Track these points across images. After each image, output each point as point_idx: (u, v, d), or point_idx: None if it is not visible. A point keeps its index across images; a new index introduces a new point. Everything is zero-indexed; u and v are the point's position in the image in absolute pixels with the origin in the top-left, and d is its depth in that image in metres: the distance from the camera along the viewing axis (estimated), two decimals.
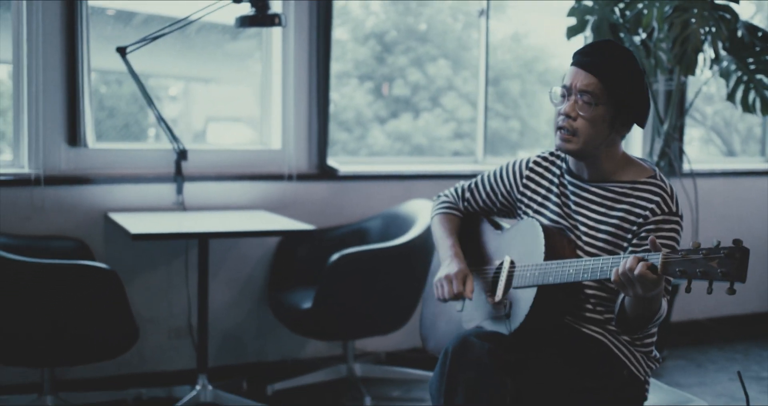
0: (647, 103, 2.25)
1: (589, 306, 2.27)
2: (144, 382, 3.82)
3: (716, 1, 4.20)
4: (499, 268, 2.36)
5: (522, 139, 5.48)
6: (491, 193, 2.53)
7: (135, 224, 3.41)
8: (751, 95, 4.53)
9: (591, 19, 4.33)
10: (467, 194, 2.59)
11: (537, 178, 2.43)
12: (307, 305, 3.56)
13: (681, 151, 4.85)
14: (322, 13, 4.10)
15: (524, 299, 2.22)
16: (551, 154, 2.45)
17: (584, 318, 2.28)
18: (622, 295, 2.12)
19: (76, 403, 3.50)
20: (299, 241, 4.06)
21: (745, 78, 4.50)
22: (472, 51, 5.22)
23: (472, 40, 5.18)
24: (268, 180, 4.10)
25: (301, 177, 4.15)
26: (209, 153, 4.07)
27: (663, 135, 4.60)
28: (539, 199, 2.41)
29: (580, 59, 2.22)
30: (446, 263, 2.42)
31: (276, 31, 4.14)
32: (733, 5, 4.23)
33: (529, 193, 2.43)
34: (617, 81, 2.18)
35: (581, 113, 2.19)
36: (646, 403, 2.33)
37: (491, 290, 2.37)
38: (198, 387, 3.57)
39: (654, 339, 2.34)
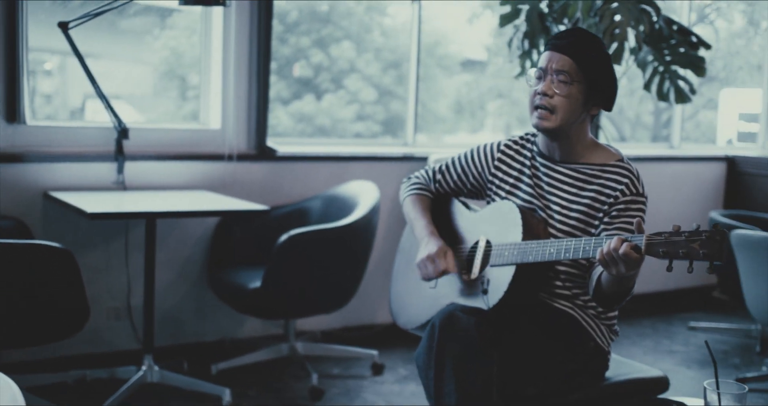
0: (615, 86, 2.40)
1: (559, 282, 2.41)
2: (84, 364, 3.77)
3: None
4: (475, 247, 2.46)
5: (421, 122, 5.59)
6: (462, 175, 2.63)
7: (78, 203, 3.36)
8: (666, 85, 4.78)
9: (524, 7, 4.48)
10: (438, 176, 2.68)
11: (508, 160, 2.54)
12: (256, 284, 3.59)
13: (597, 137, 5.06)
14: None
15: (502, 277, 2.32)
16: (521, 137, 2.56)
17: (555, 293, 2.42)
18: (597, 273, 2.25)
19: (18, 386, 3.42)
20: (239, 221, 4.07)
21: (661, 69, 4.74)
22: (374, 33, 5.27)
23: (375, 22, 5.24)
24: (208, 160, 4.09)
25: (241, 157, 4.16)
26: (149, 132, 4.03)
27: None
28: (511, 180, 2.52)
29: (555, 42, 2.35)
30: (425, 243, 2.50)
31: (217, 11, 4.11)
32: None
33: (500, 174, 2.54)
34: (589, 61, 2.32)
35: (557, 91, 2.31)
36: (607, 372, 2.49)
37: (466, 267, 2.47)
38: (144, 368, 3.55)
39: (617, 313, 2.49)
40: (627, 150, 5.82)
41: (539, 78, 2.36)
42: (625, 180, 2.35)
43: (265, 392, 3.70)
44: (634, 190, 2.35)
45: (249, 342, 4.20)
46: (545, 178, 2.45)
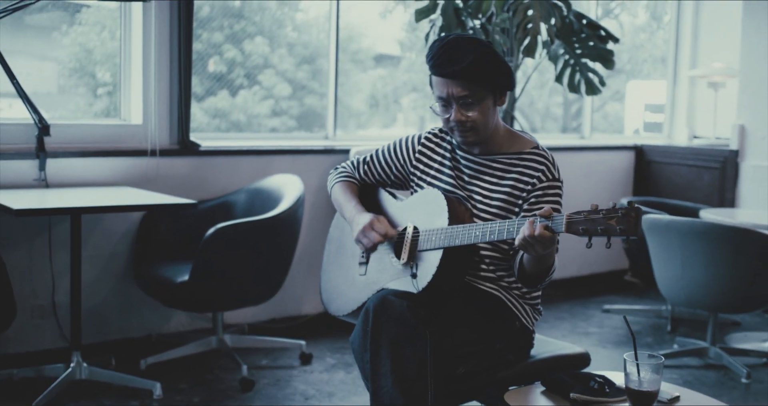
0: (510, 72, 2.46)
1: (484, 266, 2.51)
2: (10, 363, 3.73)
3: None
4: (403, 233, 2.55)
5: (336, 116, 5.63)
6: (386, 167, 2.71)
7: (1, 201, 3.31)
8: (577, 77, 4.96)
9: (440, 2, 4.59)
10: (363, 167, 2.75)
11: (429, 152, 2.63)
12: (184, 278, 3.61)
13: (512, 124, 5.22)
14: None
15: (431, 260, 2.41)
16: (440, 130, 2.65)
17: (480, 276, 2.52)
18: (519, 256, 2.37)
19: None
20: (164, 216, 4.08)
21: (572, 61, 4.92)
22: (287, 29, 5.30)
23: (287, 17, 5.27)
24: (131, 156, 4.08)
25: (164, 152, 4.16)
26: (69, 127, 3.99)
27: (501, 113, 4.94)
28: (432, 172, 2.61)
29: (444, 71, 2.37)
30: (356, 219, 2.56)
31: (136, 6, 4.11)
32: None
33: (422, 166, 2.63)
34: (485, 75, 2.38)
35: (470, 115, 2.41)
36: (532, 351, 2.61)
37: (396, 253, 2.55)
38: (72, 365, 3.53)
39: (539, 293, 2.61)
40: (544, 141, 6.03)
41: (444, 106, 2.44)
42: (542, 167, 2.47)
43: (195, 385, 3.72)
44: (550, 176, 2.47)
45: (177, 337, 4.21)
46: (466, 170, 2.55)
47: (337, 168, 2.83)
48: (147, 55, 4.12)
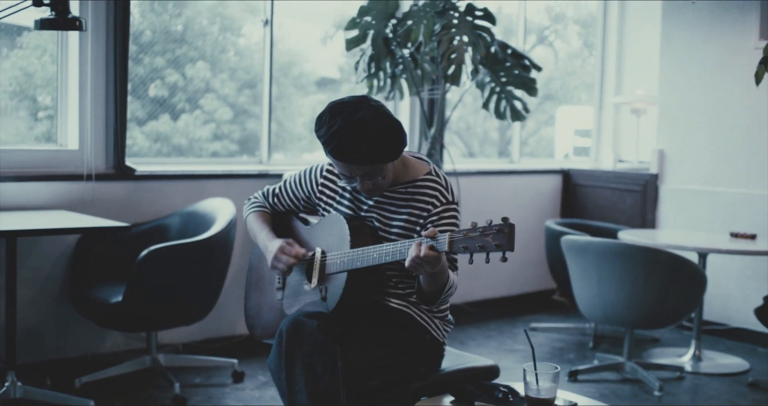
0: (403, 135, 2.52)
1: (391, 284, 2.67)
2: None
3: (476, 22, 4.79)
4: (312, 258, 2.70)
5: (278, 140, 5.76)
6: (293, 198, 2.86)
7: None
8: (503, 104, 5.18)
9: (370, 33, 4.78)
10: (273, 199, 2.90)
11: (329, 184, 2.77)
12: (117, 299, 3.72)
13: (441, 154, 5.43)
14: (120, 15, 4.22)
15: (337, 283, 2.57)
16: None
17: (389, 293, 2.68)
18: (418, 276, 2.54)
19: None
20: (99, 239, 4.18)
21: (497, 89, 5.14)
22: (228, 53, 5.42)
23: (229, 42, 5.39)
24: (67, 180, 4.18)
25: (99, 177, 4.27)
26: (5, 153, 4.09)
27: (430, 139, 5.14)
28: (333, 203, 2.76)
29: (347, 156, 2.43)
30: (269, 247, 2.71)
31: (73, 33, 4.22)
32: (489, 26, 4.84)
33: (324, 197, 2.78)
34: (384, 155, 2.46)
35: (377, 183, 2.54)
36: (444, 363, 2.77)
37: (308, 277, 2.70)
38: (7, 384, 3.61)
39: (448, 306, 2.78)
40: (474, 165, 6.26)
41: (348, 178, 2.54)
42: (435, 193, 2.62)
43: (129, 403, 3.82)
44: (444, 200, 2.62)
45: (112, 356, 4.31)
46: (366, 201, 2.68)
47: (250, 199, 2.97)
48: (83, 80, 4.24)
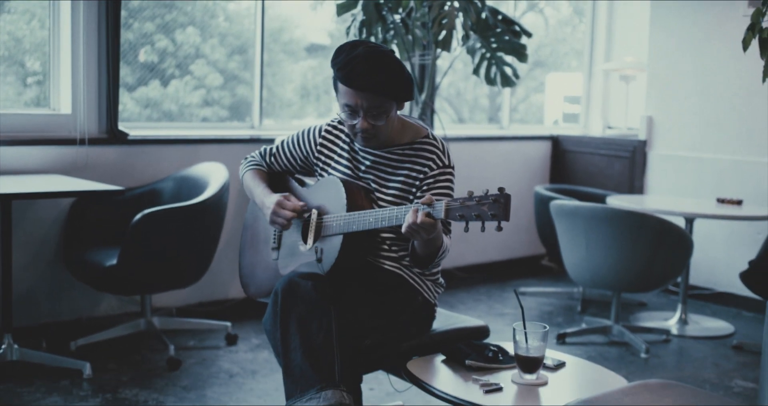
0: (413, 84, 2.69)
1: (385, 246, 2.72)
2: None
3: None
4: (308, 219, 2.74)
5: (267, 106, 5.76)
6: (291, 157, 2.90)
7: None
8: (493, 70, 5.20)
9: None
10: (270, 158, 2.94)
11: (329, 144, 2.82)
12: (112, 262, 3.76)
13: (432, 119, 5.45)
14: None
15: (333, 245, 2.62)
16: (339, 122, 2.83)
17: (382, 256, 2.73)
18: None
19: None
20: (93, 202, 4.21)
21: (488, 55, 5.16)
22: (218, 19, 5.40)
23: (219, 8, 5.37)
24: (60, 145, 4.20)
25: (93, 141, 4.29)
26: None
27: (420, 104, 5.17)
28: (332, 163, 2.80)
29: (357, 82, 2.50)
30: (266, 203, 2.74)
31: None
32: None
33: (323, 157, 2.82)
34: (393, 89, 2.54)
35: (376, 123, 2.59)
36: (435, 324, 2.83)
37: (303, 238, 2.74)
38: (4, 346, 3.66)
39: (440, 269, 2.83)
40: (464, 131, 6.30)
41: (351, 113, 2.59)
42: (433, 155, 2.68)
43: (124, 365, 3.88)
44: (441, 163, 2.68)
45: (106, 320, 4.36)
46: (363, 161, 2.74)
47: (246, 157, 3.01)
48: (76, 45, 4.24)
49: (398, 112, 2.69)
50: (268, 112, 5.73)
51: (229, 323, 4.31)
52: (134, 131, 4.48)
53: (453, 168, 2.70)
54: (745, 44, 3.14)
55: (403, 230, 2.38)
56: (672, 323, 4.91)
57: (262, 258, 2.88)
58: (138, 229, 3.73)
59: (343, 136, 2.80)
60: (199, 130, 4.94)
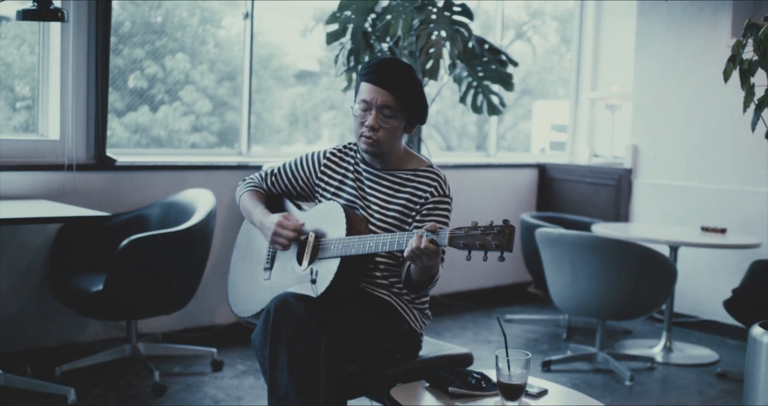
0: (427, 107, 2.78)
1: (378, 273, 2.75)
2: None
3: (454, 17, 4.86)
4: (305, 241, 2.77)
5: (257, 132, 5.78)
6: (292, 179, 2.94)
7: None
8: (480, 98, 5.26)
9: (350, 27, 4.83)
10: (271, 179, 2.98)
11: (333, 166, 2.88)
12: (98, 287, 3.76)
13: (419, 147, 5.49)
14: (101, 6, 4.25)
15: (329, 268, 2.64)
16: (345, 146, 2.92)
17: (374, 283, 2.76)
18: (407, 264, 2.62)
19: None
20: (80, 228, 4.22)
21: (474, 83, 5.22)
22: (208, 45, 5.45)
23: (209, 34, 5.42)
24: (48, 170, 4.21)
25: (81, 167, 4.30)
26: None
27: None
28: (335, 183, 2.86)
29: (377, 78, 2.67)
30: (265, 223, 2.79)
31: (54, 24, 4.25)
32: (467, 21, 4.91)
33: (326, 179, 2.88)
34: (409, 96, 2.69)
35: (383, 125, 2.68)
36: (420, 352, 2.85)
37: (298, 260, 2.77)
38: None
39: (427, 299, 2.86)
40: (451, 158, 6.35)
41: (365, 110, 2.71)
42: (434, 183, 2.75)
43: (109, 391, 3.87)
44: (441, 192, 2.75)
45: (92, 345, 4.35)
46: (367, 182, 2.81)
47: (245, 179, 3.05)
48: (65, 71, 4.27)
49: (404, 145, 2.83)
50: (257, 139, 5.76)
51: (214, 349, 4.31)
52: (122, 157, 4.50)
53: (451, 199, 2.78)
54: (726, 75, 3.20)
55: (406, 253, 2.42)
56: (657, 350, 4.93)
57: (253, 278, 2.90)
58: (125, 255, 3.74)
59: (348, 158, 2.88)
60: (187, 157, 4.96)
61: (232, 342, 4.64)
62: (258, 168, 4.88)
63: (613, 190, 6.10)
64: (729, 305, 4.41)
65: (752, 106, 3.10)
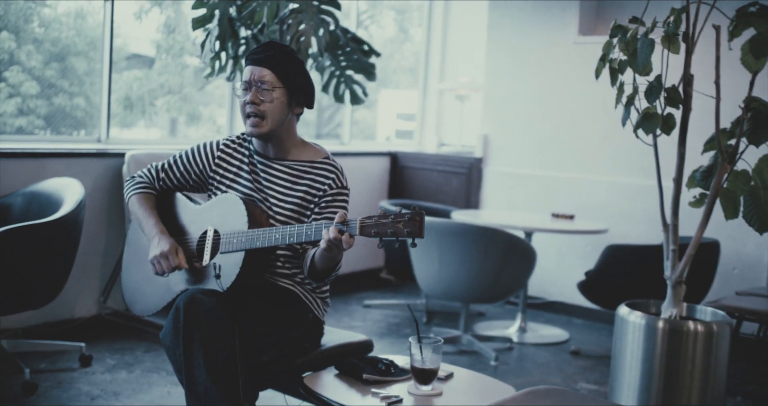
0: (312, 88, 2.81)
1: (279, 264, 2.77)
2: None
3: (322, 6, 4.88)
4: (203, 237, 2.73)
5: (86, 116, 5.59)
6: (185, 173, 2.89)
7: None
8: (342, 88, 5.31)
9: (217, 12, 4.76)
10: (162, 174, 2.91)
11: (227, 158, 2.86)
12: None
13: None
14: None
15: (233, 262, 2.63)
16: (238, 137, 2.89)
17: (277, 273, 2.77)
18: (310, 254, 2.64)
19: None
20: None
21: (337, 73, 5.26)
22: (33, 24, 5.20)
23: (34, 12, 5.17)
24: None
25: None
26: None
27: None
28: (231, 176, 2.83)
29: (254, 57, 2.72)
30: (155, 242, 2.72)
31: None
32: (334, 10, 4.95)
33: (220, 171, 2.85)
34: (285, 69, 2.72)
35: (263, 98, 2.70)
36: (323, 338, 2.90)
37: (198, 256, 2.73)
38: None
39: (328, 287, 2.90)
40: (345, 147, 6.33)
41: (245, 89, 2.73)
42: (332, 175, 2.78)
43: None
44: (339, 184, 2.78)
45: None
46: (263, 174, 2.80)
47: (133, 177, 2.96)
48: None
49: (300, 136, 2.85)
50: (87, 123, 5.52)
51: (83, 344, 4.16)
52: None
53: (348, 190, 2.80)
54: (597, 73, 3.41)
55: (322, 244, 2.43)
56: (512, 331, 5.18)
57: (148, 275, 2.83)
58: None
59: (242, 149, 2.85)
60: (45, 143, 4.73)
61: (97, 335, 4.50)
62: (120, 155, 4.74)
63: (464, 178, 6.32)
64: (583, 287, 4.69)
65: (621, 104, 3.30)
